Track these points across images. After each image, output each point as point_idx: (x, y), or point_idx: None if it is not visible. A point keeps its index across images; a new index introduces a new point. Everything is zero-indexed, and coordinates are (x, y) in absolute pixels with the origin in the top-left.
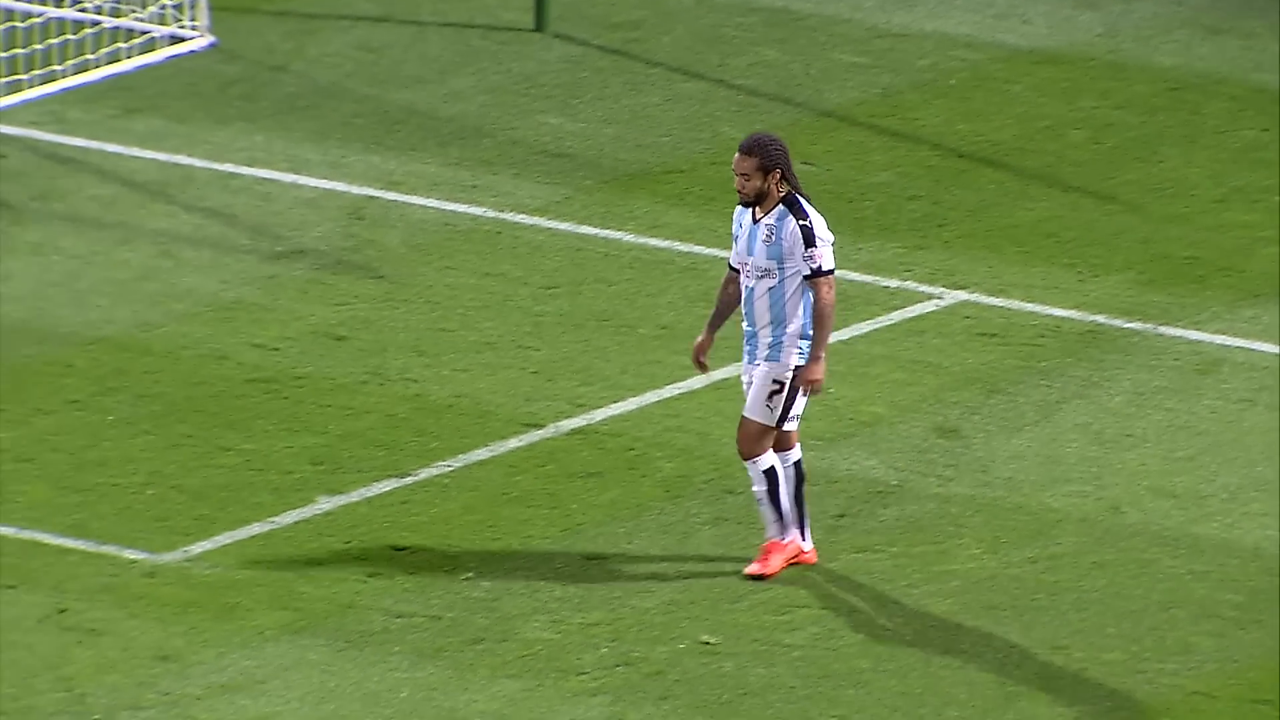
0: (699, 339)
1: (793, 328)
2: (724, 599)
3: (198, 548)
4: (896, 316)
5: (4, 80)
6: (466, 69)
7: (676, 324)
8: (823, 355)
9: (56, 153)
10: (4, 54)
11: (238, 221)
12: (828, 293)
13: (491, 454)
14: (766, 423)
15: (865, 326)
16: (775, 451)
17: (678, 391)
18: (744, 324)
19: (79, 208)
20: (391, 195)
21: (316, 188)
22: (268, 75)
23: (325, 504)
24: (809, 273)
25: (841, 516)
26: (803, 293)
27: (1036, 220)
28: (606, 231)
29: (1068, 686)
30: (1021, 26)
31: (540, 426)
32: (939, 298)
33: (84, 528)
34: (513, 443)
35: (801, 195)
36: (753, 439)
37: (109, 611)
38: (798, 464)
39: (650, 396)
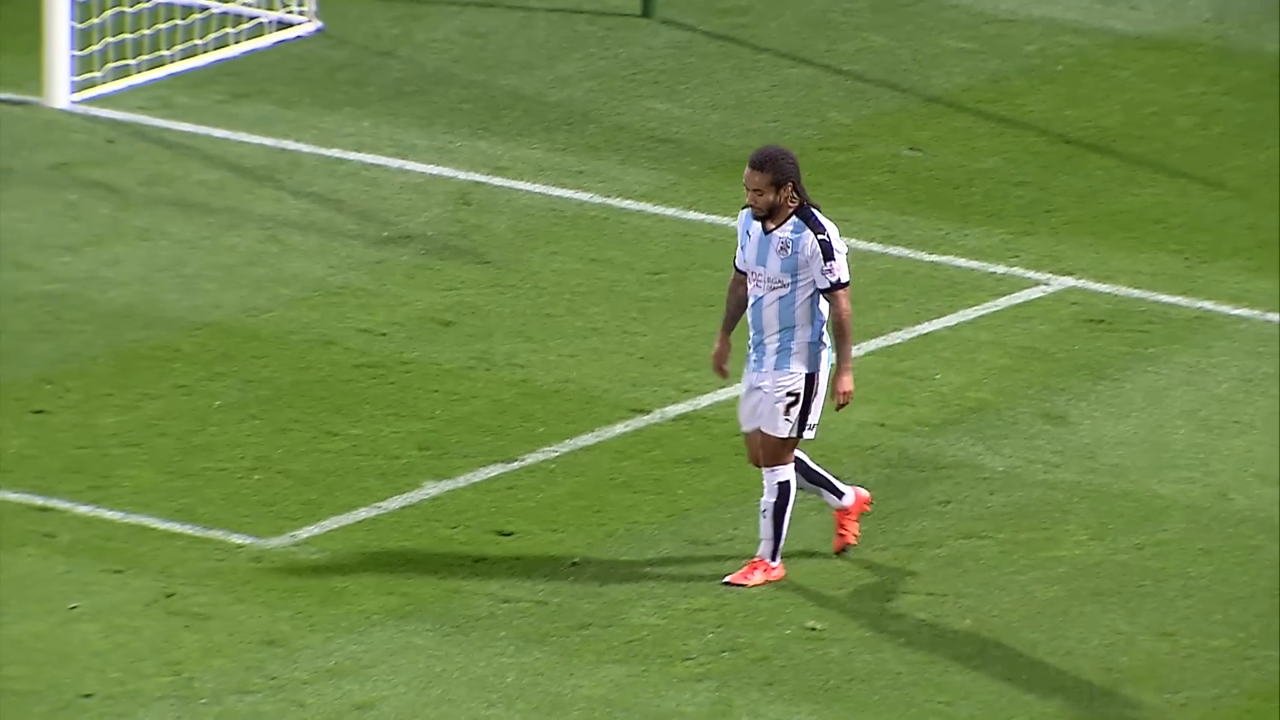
0: (716, 347)
1: (801, 335)
2: (829, 584)
3: (304, 532)
4: (1003, 302)
5: (112, 65)
6: (573, 54)
7: None
8: (849, 366)
9: (164, 138)
10: (113, 39)
11: (345, 207)
12: (846, 304)
13: (598, 439)
14: (788, 436)
15: (972, 312)
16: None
17: None
18: (750, 332)
19: (186, 193)
20: (498, 181)
21: (423, 173)
22: (375, 60)
23: (432, 489)
24: (827, 286)
25: (948, 503)
26: (812, 301)
27: (1144, 206)
28: (712, 217)
29: (1174, 673)
30: (1129, 12)
31: (646, 412)
32: (1046, 284)
33: (191, 512)
34: (619, 428)
35: (813, 206)
36: (775, 452)
37: (216, 596)
38: (797, 460)
39: None
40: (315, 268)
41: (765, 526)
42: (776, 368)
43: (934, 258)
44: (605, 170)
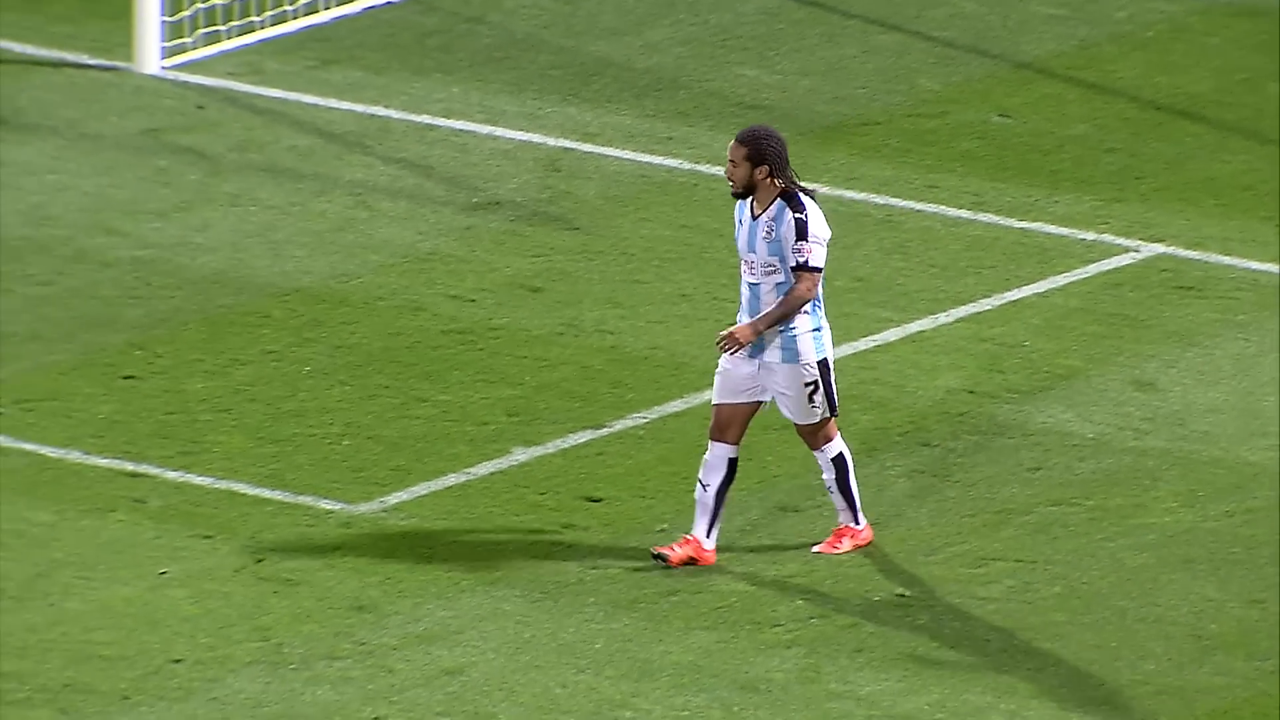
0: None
1: (801, 320)
2: (919, 551)
3: (393, 498)
4: (1093, 269)
5: (202, 32)
6: (663, 20)
7: (872, 276)
8: (761, 330)
9: (254, 104)
10: (203, 5)
11: (434, 173)
12: (807, 290)
13: (686, 405)
14: (821, 419)
15: (1062, 279)
16: (717, 441)
17: (873, 344)
18: (745, 318)
19: (276, 159)
20: (587, 147)
21: (513, 139)
22: (465, 26)
23: (520, 455)
24: (794, 265)
25: (1037, 469)
26: None
27: (1234, 173)
28: (802, 183)
29: (1264, 640)
30: None
31: None
32: (1136, 250)
33: (280, 478)
34: (708, 394)
35: (804, 192)
36: (813, 436)
37: (305, 562)
38: (732, 462)
39: (845, 349)
40: (404, 234)
41: (837, 499)
42: (784, 361)
43: (1023, 224)
44: (694, 137)
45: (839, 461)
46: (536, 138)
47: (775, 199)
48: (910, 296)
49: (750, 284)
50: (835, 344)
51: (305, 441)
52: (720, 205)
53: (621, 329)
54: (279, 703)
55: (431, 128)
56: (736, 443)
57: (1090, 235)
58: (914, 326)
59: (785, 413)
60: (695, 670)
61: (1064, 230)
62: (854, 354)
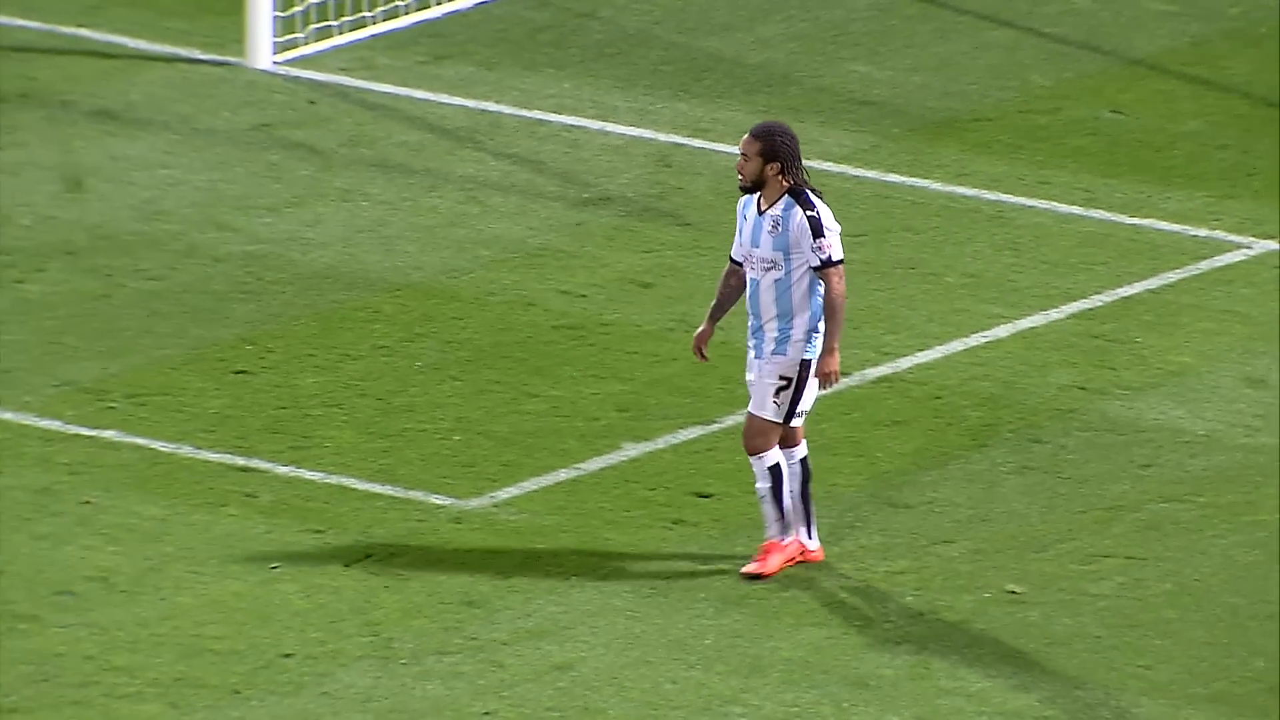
0: (700, 329)
1: (800, 321)
2: (1029, 548)
3: (504, 494)
4: (1205, 266)
5: (314, 27)
6: (774, 16)
7: (983, 272)
8: (836, 346)
9: (365, 99)
10: (315, 0)
11: (545, 168)
12: (839, 283)
13: None
14: (773, 419)
15: (1173, 276)
16: (782, 448)
17: (984, 340)
18: (750, 319)
19: (387, 154)
20: (698, 143)
21: (624, 135)
22: (576, 22)
23: (631, 450)
24: (818, 264)
25: (1148, 466)
26: (809, 285)
27: None
28: (913, 179)
29: None
30: None
31: (846, 374)
32: (1248, 247)
33: (391, 473)
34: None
35: (810, 190)
36: (757, 434)
37: (415, 557)
38: (804, 461)
39: (956, 345)
40: (515, 229)
41: (768, 510)
42: (775, 355)
43: (1135, 221)
44: (806, 132)
45: (774, 472)
46: (647, 133)
47: (783, 196)
48: (1021, 293)
49: (752, 282)
50: (945, 340)
51: (416, 437)
52: (831, 201)
53: (732, 324)
54: (389, 697)
55: (542, 123)
56: (798, 444)
57: (1202, 232)
58: (1025, 323)
59: (752, 398)
60: (805, 666)
61: (1176, 227)
62: (964, 350)
